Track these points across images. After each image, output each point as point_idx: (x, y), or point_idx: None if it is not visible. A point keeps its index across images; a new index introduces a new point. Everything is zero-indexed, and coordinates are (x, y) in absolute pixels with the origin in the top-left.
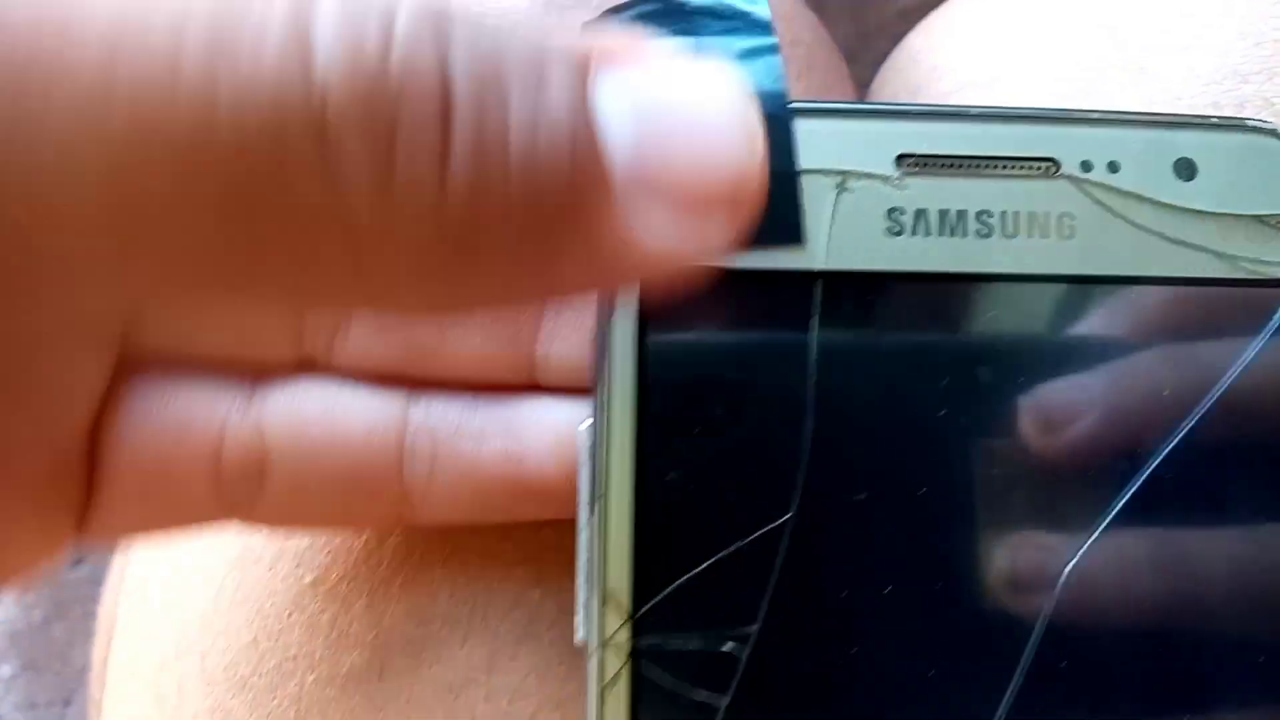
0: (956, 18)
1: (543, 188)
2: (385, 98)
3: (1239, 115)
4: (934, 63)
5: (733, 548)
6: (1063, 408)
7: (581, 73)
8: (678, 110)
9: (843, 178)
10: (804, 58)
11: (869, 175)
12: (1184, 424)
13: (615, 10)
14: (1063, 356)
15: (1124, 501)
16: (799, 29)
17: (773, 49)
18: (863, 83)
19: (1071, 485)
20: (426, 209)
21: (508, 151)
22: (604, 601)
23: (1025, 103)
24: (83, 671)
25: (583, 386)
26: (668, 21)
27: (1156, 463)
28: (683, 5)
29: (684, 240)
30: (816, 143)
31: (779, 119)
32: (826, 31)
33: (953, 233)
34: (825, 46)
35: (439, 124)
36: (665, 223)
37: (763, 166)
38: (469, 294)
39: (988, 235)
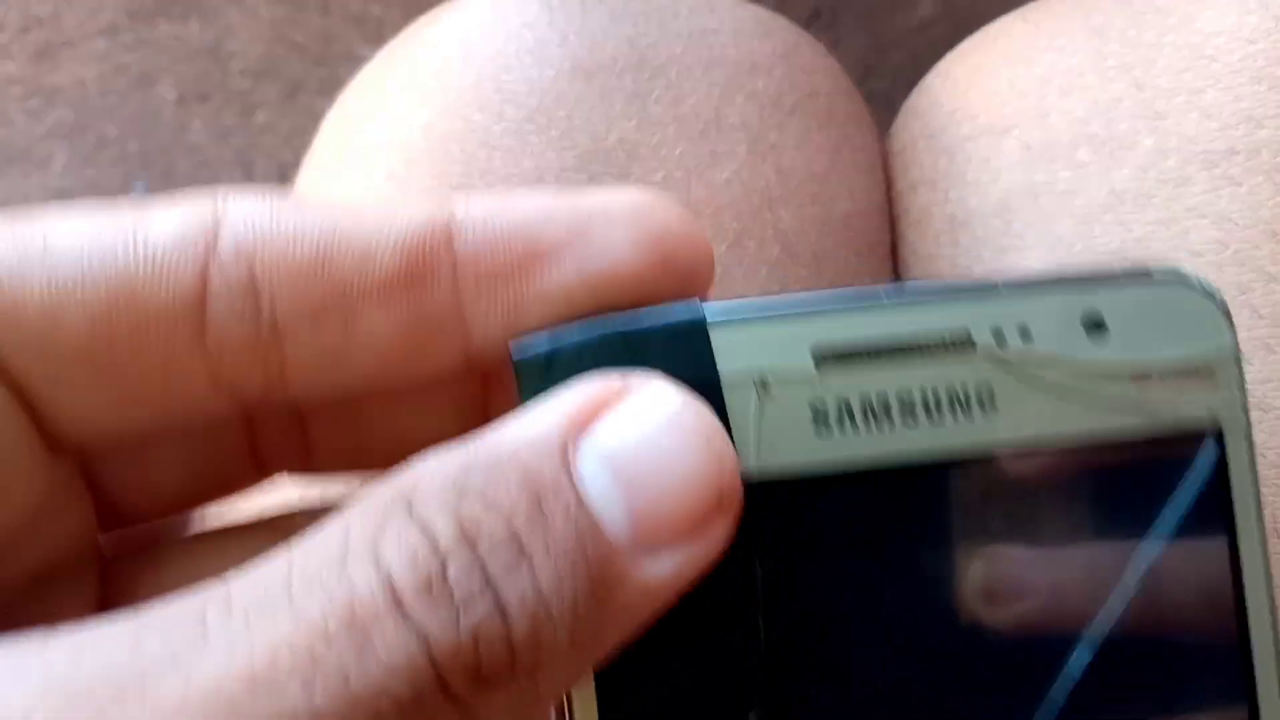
0: (975, 60)
1: (579, 607)
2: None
3: (1153, 262)
4: (953, 107)
5: None
6: (1004, 584)
7: (566, 468)
8: (648, 458)
9: (763, 379)
10: (824, 109)
11: (788, 374)
12: (1120, 585)
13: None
14: (997, 530)
15: (1065, 676)
16: (818, 80)
17: None
18: (880, 93)
19: (1019, 661)
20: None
21: (550, 612)
22: None
23: (1040, 149)
24: None
25: None
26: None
27: (1100, 631)
28: None
29: (695, 559)
30: (734, 347)
31: (695, 330)
32: (848, 79)
33: (876, 421)
34: (845, 94)
35: (507, 628)
36: (675, 557)
37: (734, 466)
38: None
39: (911, 418)
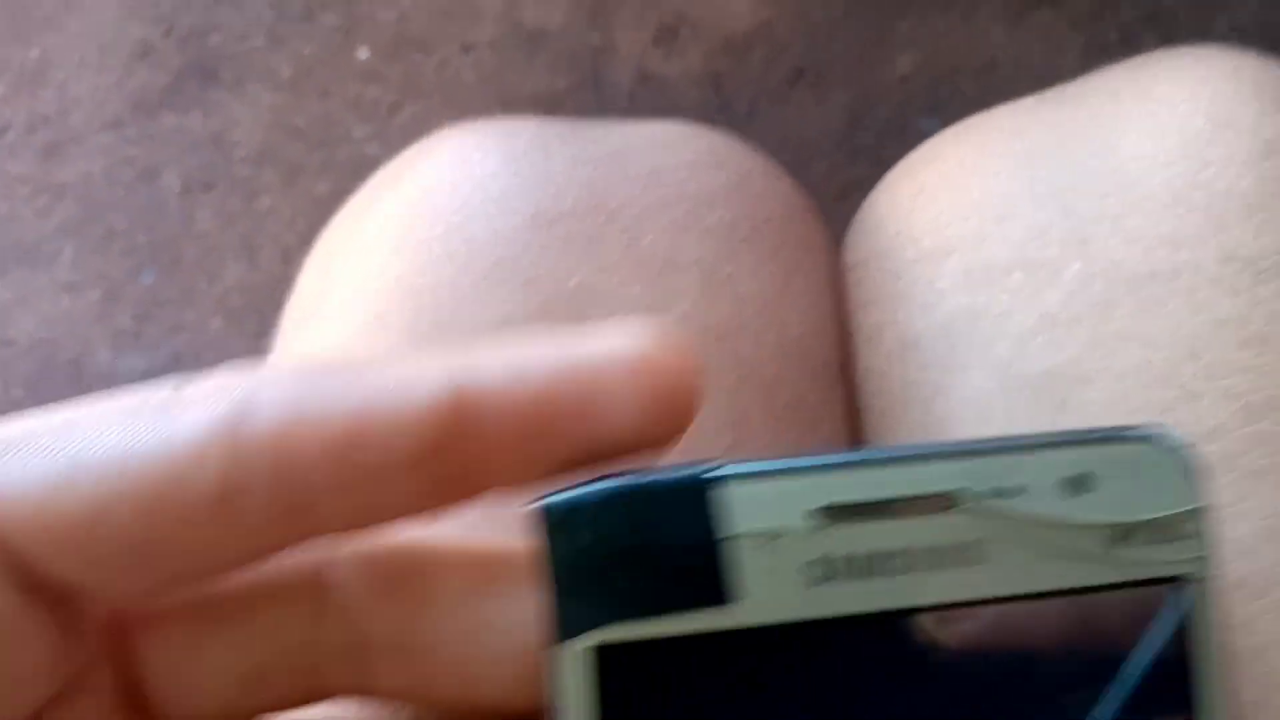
0: (917, 180)
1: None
2: None
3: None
4: (897, 229)
5: None
6: None
7: None
8: None
9: (759, 535)
10: (776, 235)
11: (784, 530)
12: None
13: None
14: (984, 681)
15: None
16: (770, 206)
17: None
18: (865, 148)
19: None
20: None
21: None
22: None
23: (979, 273)
24: None
25: None
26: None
27: None
28: None
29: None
30: (734, 505)
31: (697, 488)
32: (803, 197)
33: (869, 576)
34: (798, 216)
35: None
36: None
37: None
38: None
39: (903, 573)
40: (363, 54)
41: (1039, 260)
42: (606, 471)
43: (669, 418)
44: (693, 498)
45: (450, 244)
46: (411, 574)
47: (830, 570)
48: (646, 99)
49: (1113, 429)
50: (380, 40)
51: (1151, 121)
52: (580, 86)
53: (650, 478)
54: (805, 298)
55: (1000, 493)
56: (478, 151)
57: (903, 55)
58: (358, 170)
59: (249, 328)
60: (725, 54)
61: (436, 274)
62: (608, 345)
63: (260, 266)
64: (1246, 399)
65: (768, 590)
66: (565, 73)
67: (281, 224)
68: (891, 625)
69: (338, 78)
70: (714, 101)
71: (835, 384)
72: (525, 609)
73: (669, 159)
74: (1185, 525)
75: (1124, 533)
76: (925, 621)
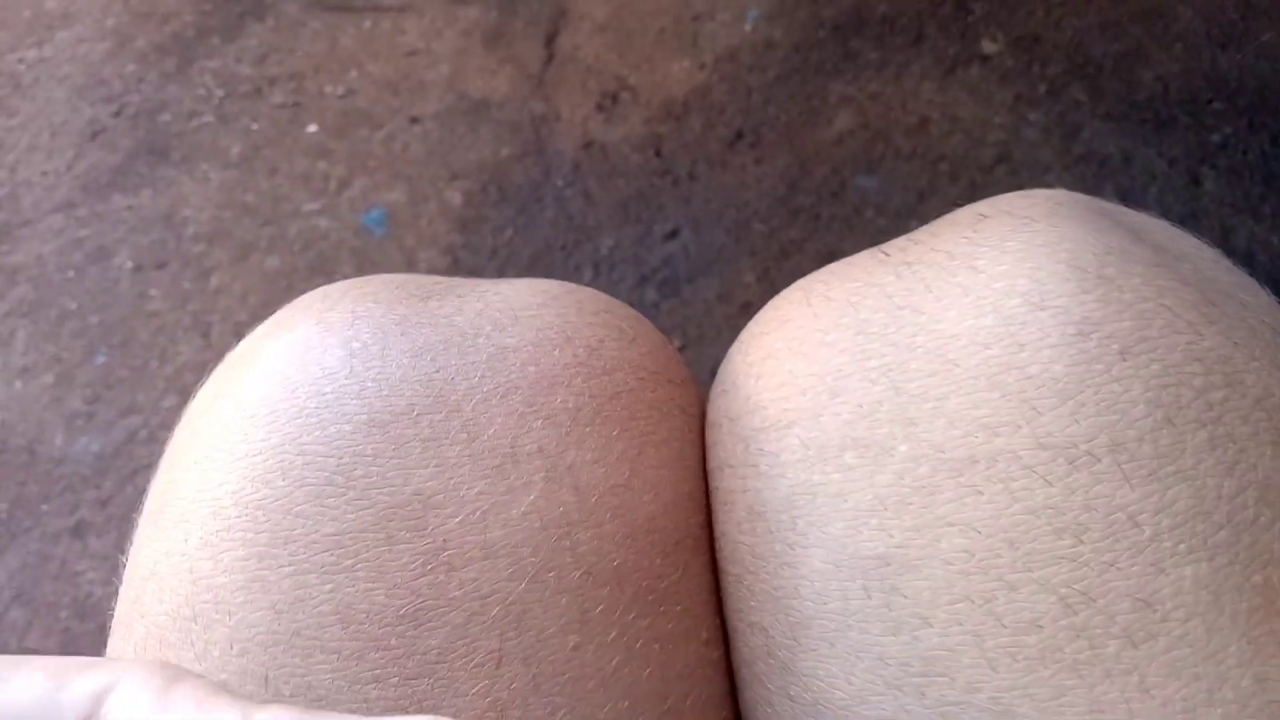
0: (766, 344)
1: None
2: None
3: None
4: (748, 393)
5: None
6: None
7: None
8: None
9: None
10: (625, 410)
11: None
12: None
13: None
14: None
15: None
16: (620, 380)
17: None
18: (805, 208)
19: None
20: None
21: None
22: None
23: (816, 449)
24: None
25: None
26: None
27: None
28: None
29: None
30: None
31: None
32: (664, 354)
33: None
34: (652, 383)
35: None
36: None
37: None
38: None
39: None
40: (311, 130)
41: (869, 440)
42: None
43: None
44: None
45: (285, 457)
46: None
47: None
48: (590, 165)
49: None
50: (328, 116)
51: (973, 298)
52: (525, 155)
53: None
54: (659, 470)
55: None
56: (317, 348)
57: (838, 116)
58: (308, 244)
59: None
60: (665, 119)
61: (271, 488)
62: None
63: (213, 344)
64: (1063, 590)
65: None
66: (510, 142)
67: (234, 301)
68: None
69: (287, 154)
70: (656, 165)
71: (696, 553)
72: None
73: (511, 338)
74: None
75: None
76: None
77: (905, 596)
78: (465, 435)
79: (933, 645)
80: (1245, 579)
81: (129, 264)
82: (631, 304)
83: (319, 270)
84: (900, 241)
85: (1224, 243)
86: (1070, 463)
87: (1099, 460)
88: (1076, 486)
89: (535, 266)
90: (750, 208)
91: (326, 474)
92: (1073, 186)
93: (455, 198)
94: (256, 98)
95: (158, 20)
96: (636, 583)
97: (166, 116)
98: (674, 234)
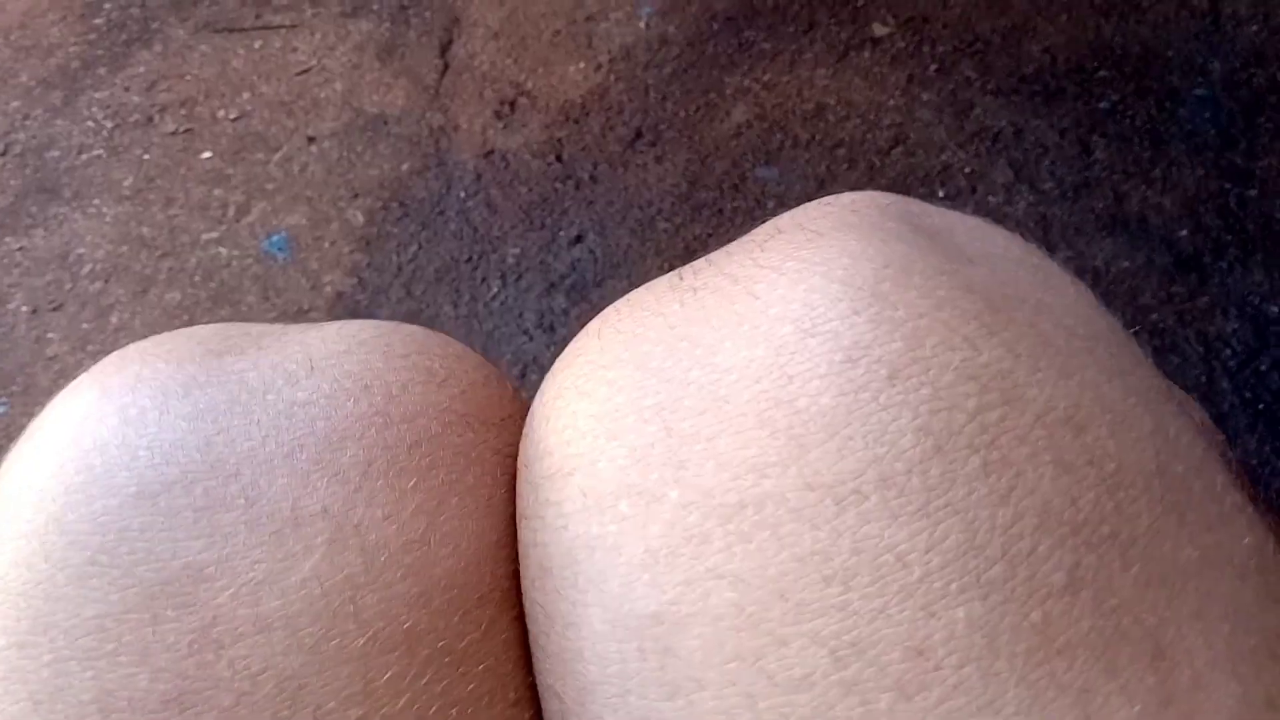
0: (558, 381)
1: None
2: None
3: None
4: (538, 436)
5: None
6: None
7: None
8: None
9: None
10: (426, 458)
11: None
12: None
13: None
14: None
15: None
16: (422, 426)
17: None
18: (708, 202)
19: None
20: None
21: None
22: None
23: (594, 498)
24: None
25: None
26: None
27: None
28: None
29: None
30: None
31: None
32: (481, 396)
33: None
34: (460, 424)
35: None
36: None
37: None
38: None
39: None
40: (206, 156)
41: (642, 486)
42: None
43: None
44: None
45: (48, 540)
46: None
47: None
48: (492, 175)
49: None
50: (222, 141)
51: (748, 327)
52: (425, 168)
53: None
54: (462, 522)
55: None
56: (93, 418)
57: (735, 108)
58: (209, 275)
59: None
60: (564, 122)
61: (33, 572)
62: None
63: None
64: (833, 642)
65: None
66: (409, 156)
67: (134, 338)
68: None
69: (182, 183)
70: (557, 170)
71: (504, 607)
72: None
73: (306, 392)
74: None
75: None
76: None
77: (679, 657)
78: (243, 501)
79: (707, 710)
80: (1022, 617)
81: (24, 308)
82: (541, 312)
83: (222, 301)
84: (699, 263)
85: (1117, 209)
86: (837, 503)
87: (867, 498)
88: (844, 529)
89: (441, 281)
90: (653, 207)
91: (90, 553)
92: (967, 164)
93: (357, 217)
94: (148, 127)
95: (41, 53)
96: (431, 644)
97: (55, 152)
98: (579, 239)
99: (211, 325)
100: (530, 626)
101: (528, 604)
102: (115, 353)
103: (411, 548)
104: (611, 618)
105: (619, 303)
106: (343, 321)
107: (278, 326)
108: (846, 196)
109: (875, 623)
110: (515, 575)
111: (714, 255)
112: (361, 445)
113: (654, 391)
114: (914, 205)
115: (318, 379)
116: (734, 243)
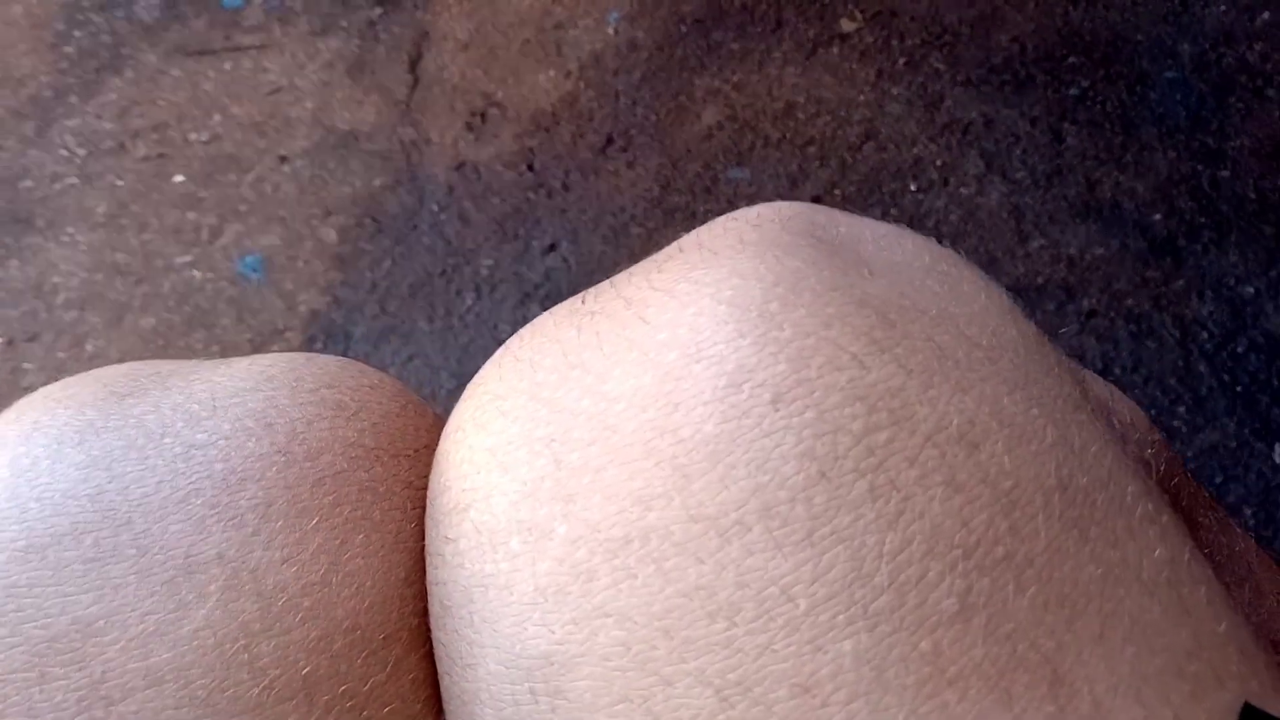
0: (461, 413)
1: None
2: None
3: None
4: (443, 469)
5: None
6: None
7: None
8: None
9: None
10: (330, 494)
11: None
12: None
13: None
14: None
15: None
16: (328, 461)
17: None
18: (680, 206)
19: None
20: None
21: None
22: None
23: (487, 534)
24: None
25: None
26: None
27: None
28: None
29: None
30: None
31: None
32: (399, 428)
33: None
34: (374, 461)
35: None
36: None
37: None
38: None
39: None
40: (178, 180)
41: (532, 522)
42: None
43: None
44: None
45: None
46: None
47: None
48: (464, 187)
49: None
50: (195, 164)
51: (637, 353)
52: (398, 183)
53: None
54: (366, 560)
55: None
56: (5, 467)
57: (705, 110)
58: (183, 299)
59: None
60: (535, 131)
61: None
62: None
63: None
64: (718, 681)
65: None
66: (381, 171)
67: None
68: None
69: (155, 208)
70: (529, 180)
71: (413, 646)
72: None
73: (205, 433)
74: None
75: None
76: None
77: (569, 699)
78: (135, 550)
79: None
80: (912, 647)
81: (0, 340)
82: (516, 323)
83: (197, 324)
84: (603, 285)
85: (1090, 196)
86: (721, 535)
87: (750, 529)
88: (728, 562)
89: (417, 296)
90: (626, 213)
91: None
92: (938, 156)
93: (330, 235)
94: (120, 153)
95: (13, 84)
96: (332, 689)
97: (29, 183)
98: (553, 247)
99: (123, 365)
100: (437, 666)
101: (434, 643)
102: (21, 399)
103: (311, 590)
104: (505, 658)
105: (524, 329)
106: (255, 356)
107: (191, 364)
108: (752, 210)
109: (761, 659)
110: (426, 612)
111: (618, 277)
112: (260, 486)
113: (545, 422)
114: (821, 215)
115: (218, 419)
116: (639, 263)
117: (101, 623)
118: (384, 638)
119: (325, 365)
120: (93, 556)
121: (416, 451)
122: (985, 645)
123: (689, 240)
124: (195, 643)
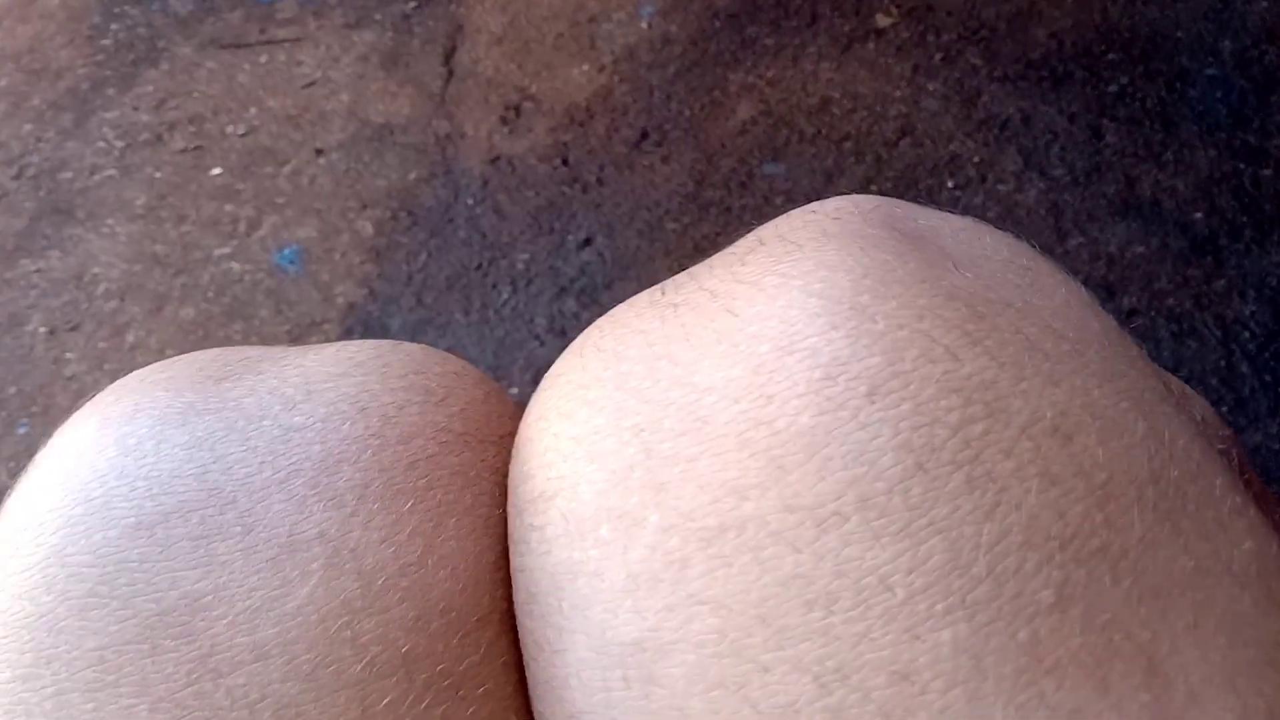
0: (541, 402)
1: None
2: None
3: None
4: (525, 456)
5: None
6: None
7: None
8: None
9: None
10: (423, 479)
11: None
12: None
13: None
14: None
15: None
16: (418, 447)
17: None
18: (714, 201)
19: None
20: None
21: None
22: None
23: (575, 523)
24: None
25: None
26: None
27: None
28: None
29: None
30: None
31: None
32: (479, 414)
33: None
34: (458, 446)
35: None
36: None
37: None
38: None
39: None
40: (216, 172)
41: (622, 510)
42: None
43: None
44: None
45: (49, 570)
46: None
47: None
48: (499, 180)
49: None
50: (232, 156)
51: (726, 345)
52: (433, 176)
53: None
54: (459, 543)
55: None
56: (91, 449)
57: (740, 105)
58: (222, 290)
59: None
60: (570, 125)
61: (35, 604)
62: None
63: None
64: (816, 668)
65: None
66: (417, 164)
67: (151, 356)
68: None
69: (193, 199)
70: (564, 174)
71: (504, 629)
72: None
73: (303, 416)
74: None
75: None
76: None
77: (662, 686)
78: (240, 529)
79: None
80: (1010, 637)
81: (42, 329)
82: (552, 316)
83: (236, 315)
84: (681, 277)
85: (1129, 193)
86: (818, 525)
87: (847, 520)
88: (825, 551)
89: (452, 289)
90: (661, 207)
91: (89, 585)
92: (975, 153)
93: (367, 227)
94: (158, 145)
95: (51, 77)
96: (430, 668)
97: (68, 174)
98: (588, 242)
99: (212, 350)
100: (523, 651)
101: (520, 628)
102: (117, 382)
103: (408, 570)
104: (595, 645)
105: (602, 319)
106: (341, 343)
107: (277, 350)
108: (830, 203)
109: (859, 647)
110: (504, 603)
111: (696, 269)
112: (357, 468)
113: (634, 412)
114: (900, 208)
115: (313, 403)
116: (717, 255)
117: (209, 598)
118: (477, 620)
119: (411, 352)
120: (199, 534)
121: (500, 438)
122: (1082, 635)
123: (768, 231)
124: (299, 619)
